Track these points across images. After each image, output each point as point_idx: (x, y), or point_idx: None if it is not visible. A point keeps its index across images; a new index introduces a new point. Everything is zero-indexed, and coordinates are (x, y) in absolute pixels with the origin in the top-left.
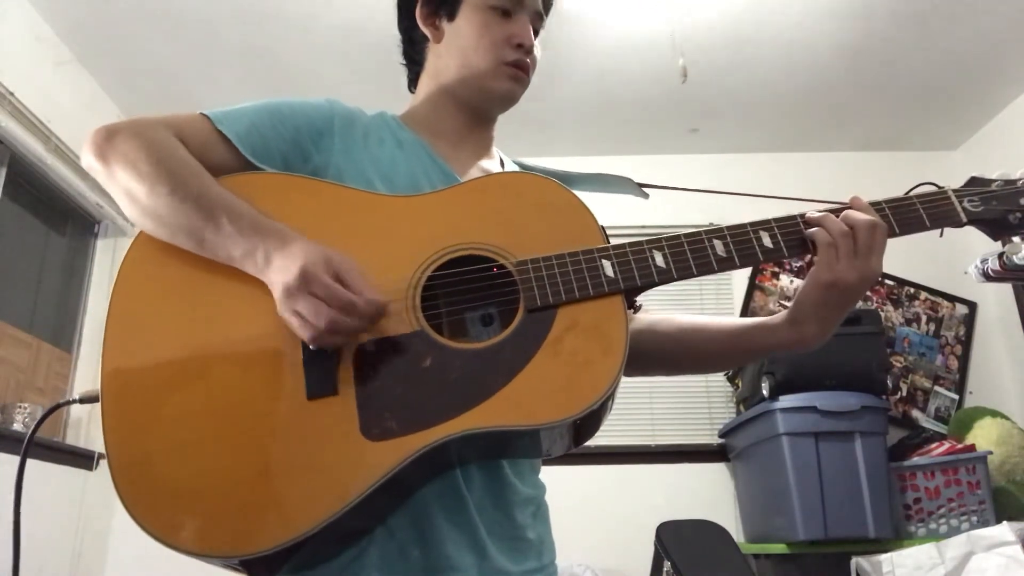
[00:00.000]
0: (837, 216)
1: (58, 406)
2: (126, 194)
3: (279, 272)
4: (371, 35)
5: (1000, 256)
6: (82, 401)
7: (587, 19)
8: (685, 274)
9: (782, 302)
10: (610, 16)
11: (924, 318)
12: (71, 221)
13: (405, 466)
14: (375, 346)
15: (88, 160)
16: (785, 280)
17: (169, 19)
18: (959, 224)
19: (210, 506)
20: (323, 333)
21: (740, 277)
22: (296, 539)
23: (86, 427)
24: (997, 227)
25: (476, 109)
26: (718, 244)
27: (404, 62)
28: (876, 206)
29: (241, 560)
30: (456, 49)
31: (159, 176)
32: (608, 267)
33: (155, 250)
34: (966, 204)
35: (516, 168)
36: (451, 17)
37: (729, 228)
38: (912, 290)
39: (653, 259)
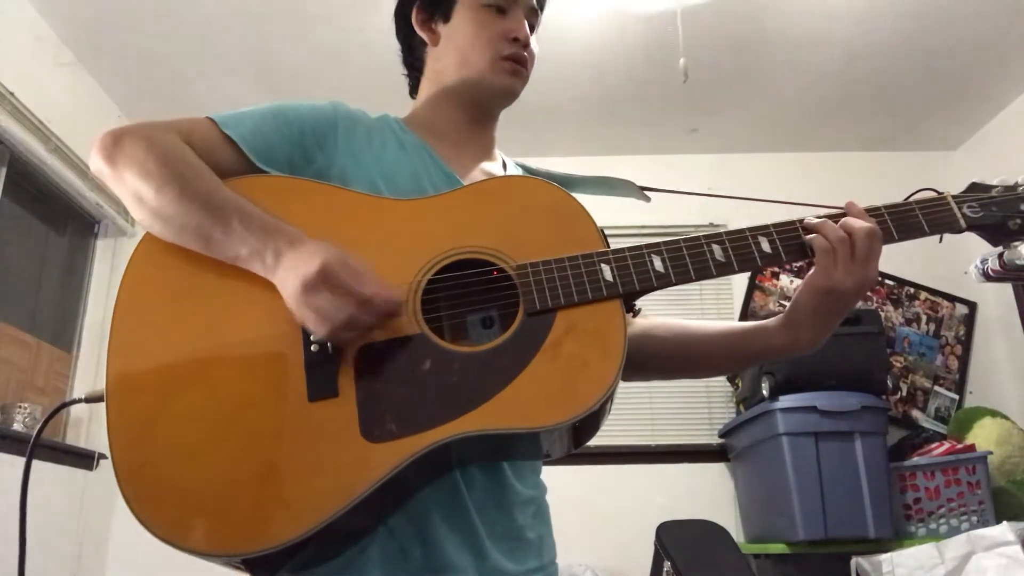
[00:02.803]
0: (835, 222)
1: (63, 405)
2: (134, 196)
3: (293, 269)
4: (369, 35)
5: (1000, 256)
6: (87, 400)
7: (587, 18)
8: (683, 279)
9: (782, 302)
10: (609, 15)
11: (924, 318)
12: (71, 221)
13: (404, 467)
14: (376, 349)
15: (96, 163)
16: (785, 280)
17: (169, 19)
18: (958, 230)
19: (213, 506)
20: (339, 328)
21: (740, 277)
22: (297, 539)
23: (86, 427)
24: (997, 233)
25: (477, 107)
26: (717, 249)
27: (405, 71)
28: (875, 212)
29: (243, 559)
30: (453, 49)
31: (167, 177)
32: (607, 271)
33: (160, 252)
34: (965, 210)
35: (518, 170)
36: (446, 19)
37: (728, 233)
38: (912, 290)
39: (652, 264)
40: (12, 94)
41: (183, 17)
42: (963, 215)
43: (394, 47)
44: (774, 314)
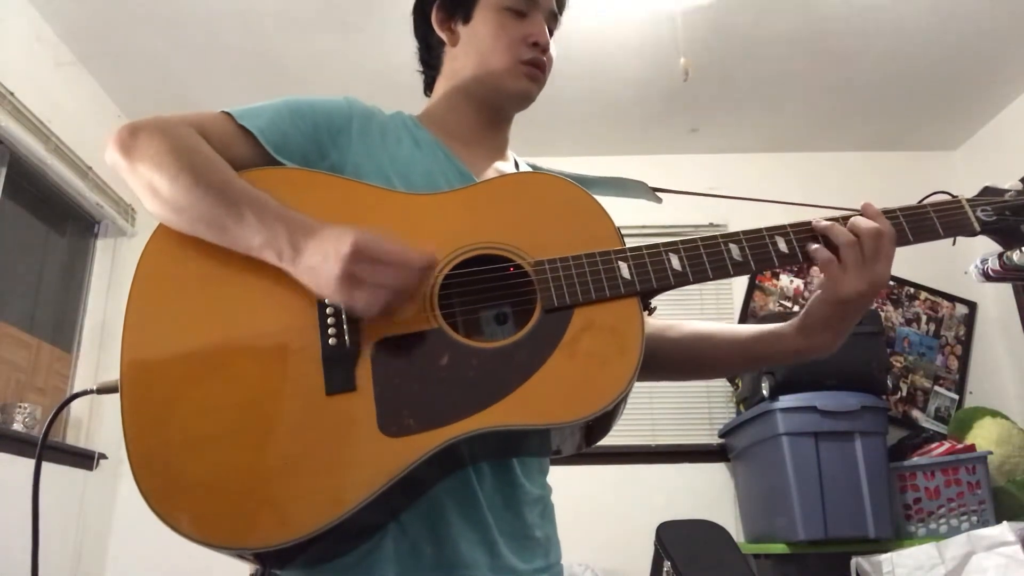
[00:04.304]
0: (845, 223)
1: (74, 396)
2: (148, 188)
3: (323, 256)
4: (371, 36)
5: (1000, 256)
6: (99, 391)
7: (586, 18)
8: (700, 277)
9: (782, 302)
10: (610, 15)
11: (924, 318)
12: (71, 221)
13: (421, 463)
14: (394, 342)
15: (112, 156)
16: (785, 280)
17: (169, 19)
18: (972, 233)
19: (227, 499)
20: (393, 296)
21: (740, 277)
22: (313, 533)
23: (86, 427)
24: (1009, 236)
25: (493, 109)
26: (734, 248)
27: (420, 68)
28: (890, 214)
29: (255, 553)
30: (473, 50)
31: (182, 168)
32: (624, 269)
33: (174, 244)
34: (979, 214)
35: (531, 170)
36: (466, 20)
37: (745, 232)
38: (912, 290)
39: (669, 262)
40: (12, 94)
41: (183, 18)
42: (977, 218)
43: (395, 48)
44: (774, 314)
